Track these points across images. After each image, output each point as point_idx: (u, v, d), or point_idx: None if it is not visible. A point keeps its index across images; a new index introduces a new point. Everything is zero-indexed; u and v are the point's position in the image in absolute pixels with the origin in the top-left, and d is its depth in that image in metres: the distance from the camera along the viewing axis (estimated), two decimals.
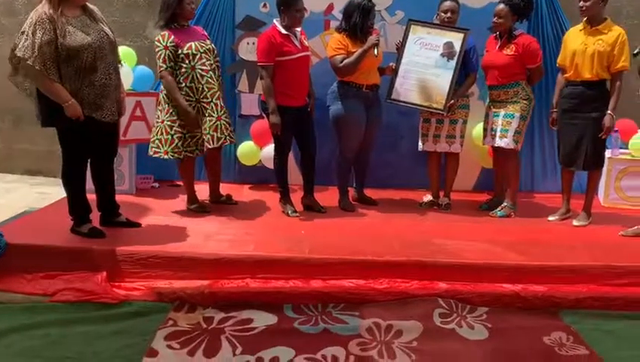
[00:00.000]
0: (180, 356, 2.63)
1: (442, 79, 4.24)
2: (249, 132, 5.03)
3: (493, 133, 4.36)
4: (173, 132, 3.98)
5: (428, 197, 4.70)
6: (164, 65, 3.91)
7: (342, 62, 4.16)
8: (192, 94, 3.98)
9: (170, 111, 3.99)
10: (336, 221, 4.16)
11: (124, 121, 4.27)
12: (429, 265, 3.36)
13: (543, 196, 5.05)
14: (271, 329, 2.89)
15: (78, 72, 3.26)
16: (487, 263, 3.40)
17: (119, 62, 3.59)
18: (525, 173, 5.03)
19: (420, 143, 4.56)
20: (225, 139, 4.01)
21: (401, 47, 4.36)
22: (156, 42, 3.97)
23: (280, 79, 4.04)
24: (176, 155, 4.04)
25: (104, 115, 3.38)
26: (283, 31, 4.04)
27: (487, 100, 4.51)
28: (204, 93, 3.96)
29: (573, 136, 4.11)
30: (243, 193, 4.91)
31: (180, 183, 4.65)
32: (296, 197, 4.42)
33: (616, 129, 4.33)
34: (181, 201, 4.43)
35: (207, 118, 3.97)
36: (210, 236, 3.69)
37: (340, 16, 4.48)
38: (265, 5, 4.95)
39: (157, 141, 4.05)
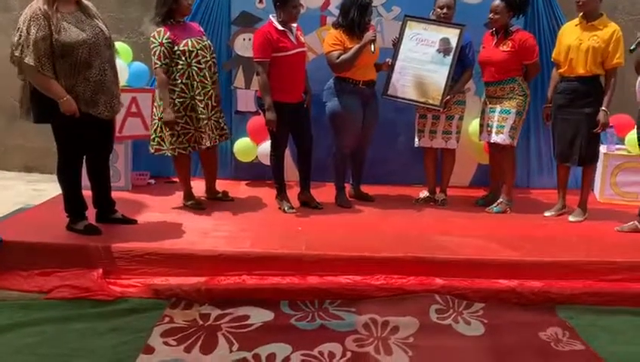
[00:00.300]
0: (177, 353, 2.63)
1: (438, 75, 4.24)
2: (245, 128, 5.02)
3: (489, 128, 4.36)
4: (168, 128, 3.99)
5: (424, 193, 4.70)
6: (159, 62, 3.91)
7: (338, 58, 4.15)
8: (187, 91, 3.98)
9: None
10: (332, 217, 4.16)
11: (119, 117, 4.25)
12: (425, 261, 3.36)
13: (538, 192, 5.05)
14: (267, 325, 2.89)
15: (73, 68, 3.24)
16: (484, 259, 3.41)
17: (116, 51, 3.58)
18: (521, 169, 5.02)
19: (416, 139, 4.56)
20: (215, 139, 4.09)
21: (397, 43, 4.36)
22: (152, 38, 3.96)
23: (276, 75, 4.02)
24: (170, 151, 4.06)
25: (100, 112, 3.37)
26: (279, 27, 4.02)
27: (484, 96, 4.51)
28: (198, 90, 3.97)
29: (567, 132, 4.12)
30: (239, 189, 4.90)
31: (176, 180, 4.64)
32: (293, 193, 4.42)
33: (611, 125, 4.33)
34: (177, 198, 4.43)
35: (201, 117, 3.98)
36: (206, 232, 3.69)
37: (336, 12, 4.48)
38: (261, 1, 4.93)
39: (157, 138, 4.06)
